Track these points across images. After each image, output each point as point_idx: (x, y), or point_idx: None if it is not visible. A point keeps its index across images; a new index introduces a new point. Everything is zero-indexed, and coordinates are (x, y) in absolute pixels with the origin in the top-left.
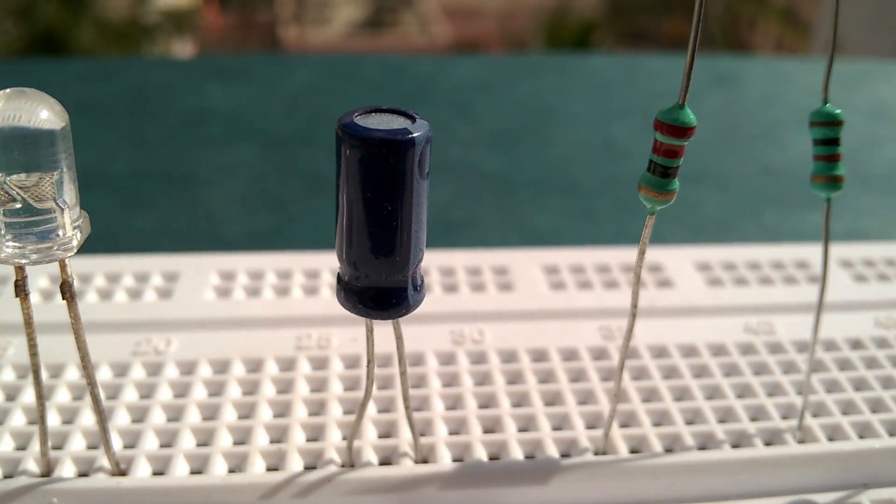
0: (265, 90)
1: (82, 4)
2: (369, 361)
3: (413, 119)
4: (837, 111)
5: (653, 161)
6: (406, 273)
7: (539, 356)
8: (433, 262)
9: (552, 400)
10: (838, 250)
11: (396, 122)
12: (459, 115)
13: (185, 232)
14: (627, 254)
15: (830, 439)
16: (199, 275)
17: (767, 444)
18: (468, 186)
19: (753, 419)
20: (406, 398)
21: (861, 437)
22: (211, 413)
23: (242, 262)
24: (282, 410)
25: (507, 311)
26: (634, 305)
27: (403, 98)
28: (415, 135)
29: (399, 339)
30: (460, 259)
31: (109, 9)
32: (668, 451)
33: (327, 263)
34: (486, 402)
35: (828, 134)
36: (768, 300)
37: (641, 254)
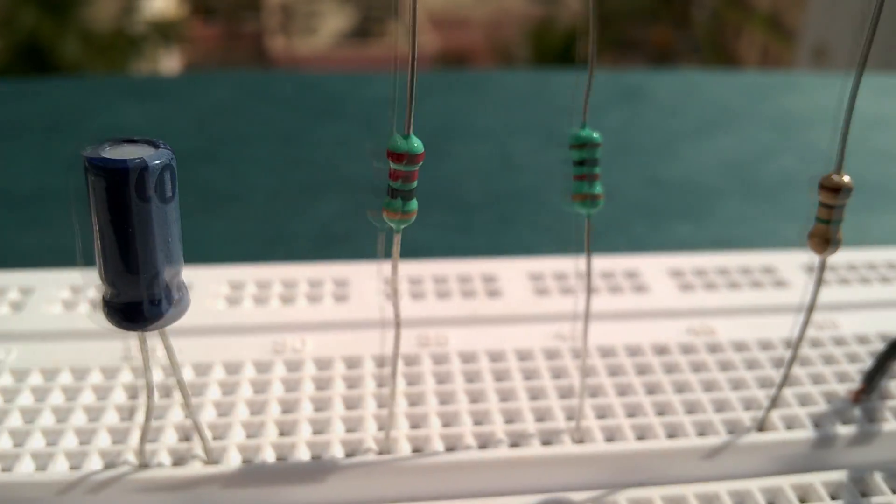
0: (177, 108)
1: (67, 16)
2: (147, 370)
3: (156, 148)
4: (595, 134)
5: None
6: (146, 288)
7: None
8: (275, 276)
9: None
10: (666, 260)
11: (137, 152)
12: (367, 130)
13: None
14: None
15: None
16: (58, 291)
17: (546, 443)
18: (357, 201)
19: (539, 419)
20: (188, 404)
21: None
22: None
23: None
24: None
25: (332, 322)
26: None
27: (315, 114)
28: (132, 163)
29: (168, 348)
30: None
31: (95, 20)
32: (450, 449)
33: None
34: (289, 408)
35: (584, 156)
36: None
37: (394, 269)
